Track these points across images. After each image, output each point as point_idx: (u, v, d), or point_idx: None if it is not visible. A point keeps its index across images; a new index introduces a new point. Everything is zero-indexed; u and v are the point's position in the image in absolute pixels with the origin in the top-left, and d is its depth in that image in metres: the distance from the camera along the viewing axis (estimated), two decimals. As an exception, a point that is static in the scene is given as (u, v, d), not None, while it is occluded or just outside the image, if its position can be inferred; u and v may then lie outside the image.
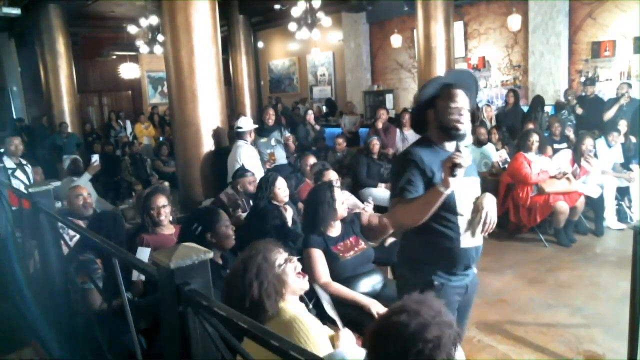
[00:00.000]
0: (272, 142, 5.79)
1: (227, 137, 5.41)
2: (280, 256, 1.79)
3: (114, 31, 11.95)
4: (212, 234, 2.41)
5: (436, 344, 1.10)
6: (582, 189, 4.99)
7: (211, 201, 4.49)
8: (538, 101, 7.42)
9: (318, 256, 2.66)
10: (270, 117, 6.02)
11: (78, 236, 2.75)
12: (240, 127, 4.99)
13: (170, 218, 3.20)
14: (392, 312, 1.19)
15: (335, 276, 2.64)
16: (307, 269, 2.66)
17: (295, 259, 1.85)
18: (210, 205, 4.11)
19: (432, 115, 2.01)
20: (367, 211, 3.30)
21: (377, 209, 5.11)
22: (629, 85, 6.67)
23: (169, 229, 3.15)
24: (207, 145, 5.12)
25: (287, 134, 6.73)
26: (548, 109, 7.62)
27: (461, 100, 1.97)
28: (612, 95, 6.94)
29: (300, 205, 4.18)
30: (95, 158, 5.50)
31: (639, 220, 2.57)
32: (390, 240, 3.46)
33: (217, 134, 5.18)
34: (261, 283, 1.67)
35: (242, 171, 4.37)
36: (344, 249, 2.76)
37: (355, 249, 2.79)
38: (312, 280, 2.61)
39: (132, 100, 14.62)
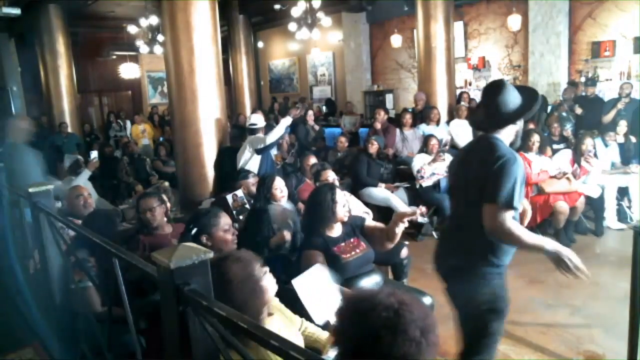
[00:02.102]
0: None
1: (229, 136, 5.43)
2: (260, 270, 1.69)
3: (114, 31, 11.96)
4: (208, 237, 2.34)
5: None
6: (582, 189, 4.99)
7: (211, 201, 4.49)
8: (542, 102, 7.42)
9: (317, 259, 2.62)
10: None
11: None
12: (255, 124, 5.02)
13: (165, 219, 3.19)
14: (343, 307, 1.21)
15: (336, 277, 2.62)
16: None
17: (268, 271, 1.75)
18: (211, 205, 4.09)
19: (512, 127, 2.15)
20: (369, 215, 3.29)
21: (378, 209, 5.13)
22: (631, 86, 6.66)
23: (166, 229, 3.15)
24: (207, 145, 5.12)
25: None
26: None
27: None
28: (613, 95, 6.94)
29: (301, 205, 4.18)
30: (95, 155, 5.48)
31: (639, 220, 2.57)
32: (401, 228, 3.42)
33: (219, 134, 5.19)
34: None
35: (245, 173, 4.36)
36: (345, 250, 2.73)
37: (357, 250, 2.75)
38: None
39: (132, 100, 14.62)
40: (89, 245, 2.44)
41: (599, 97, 7.23)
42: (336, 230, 2.78)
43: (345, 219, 2.80)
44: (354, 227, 2.86)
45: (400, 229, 2.60)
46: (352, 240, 2.79)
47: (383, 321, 1.09)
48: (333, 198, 2.73)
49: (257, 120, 5.08)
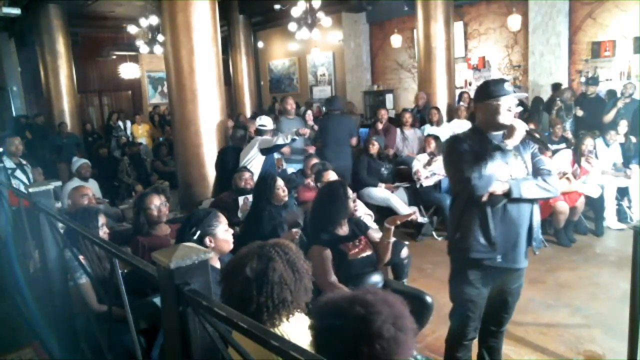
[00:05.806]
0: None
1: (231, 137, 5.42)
2: (304, 260, 1.64)
3: (114, 31, 11.96)
4: (212, 239, 2.33)
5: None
6: (582, 189, 4.99)
7: (211, 202, 4.49)
8: (538, 102, 7.42)
9: (326, 255, 2.66)
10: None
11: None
12: (264, 125, 5.05)
13: (164, 219, 3.19)
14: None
15: (340, 274, 2.63)
16: (313, 266, 2.64)
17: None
18: (210, 205, 4.10)
19: None
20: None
21: (378, 209, 5.12)
22: (634, 86, 6.66)
23: (164, 229, 3.15)
24: (207, 145, 5.12)
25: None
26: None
27: None
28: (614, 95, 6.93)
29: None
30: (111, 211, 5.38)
31: (639, 220, 2.58)
32: (392, 239, 3.45)
33: (219, 134, 5.18)
34: (284, 289, 1.53)
35: (240, 168, 4.37)
36: (353, 248, 2.76)
37: (364, 249, 2.80)
38: (318, 278, 2.57)
39: (132, 100, 14.62)
40: (78, 244, 2.43)
41: (600, 96, 7.22)
42: (344, 229, 2.82)
43: (354, 212, 2.88)
44: (360, 227, 2.91)
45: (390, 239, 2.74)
46: (359, 239, 2.83)
47: (355, 334, 1.08)
48: (345, 193, 2.80)
49: (267, 122, 5.11)
